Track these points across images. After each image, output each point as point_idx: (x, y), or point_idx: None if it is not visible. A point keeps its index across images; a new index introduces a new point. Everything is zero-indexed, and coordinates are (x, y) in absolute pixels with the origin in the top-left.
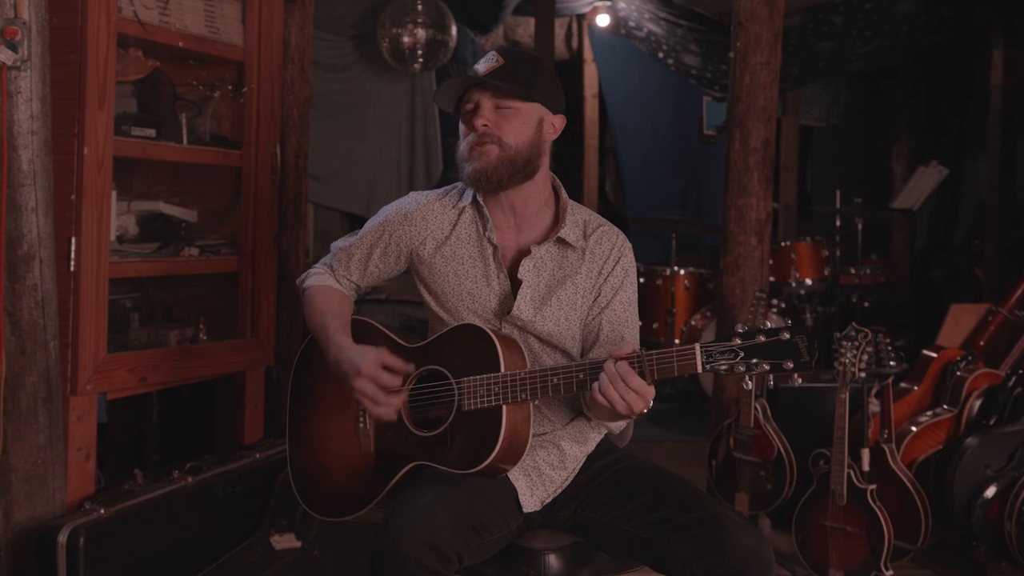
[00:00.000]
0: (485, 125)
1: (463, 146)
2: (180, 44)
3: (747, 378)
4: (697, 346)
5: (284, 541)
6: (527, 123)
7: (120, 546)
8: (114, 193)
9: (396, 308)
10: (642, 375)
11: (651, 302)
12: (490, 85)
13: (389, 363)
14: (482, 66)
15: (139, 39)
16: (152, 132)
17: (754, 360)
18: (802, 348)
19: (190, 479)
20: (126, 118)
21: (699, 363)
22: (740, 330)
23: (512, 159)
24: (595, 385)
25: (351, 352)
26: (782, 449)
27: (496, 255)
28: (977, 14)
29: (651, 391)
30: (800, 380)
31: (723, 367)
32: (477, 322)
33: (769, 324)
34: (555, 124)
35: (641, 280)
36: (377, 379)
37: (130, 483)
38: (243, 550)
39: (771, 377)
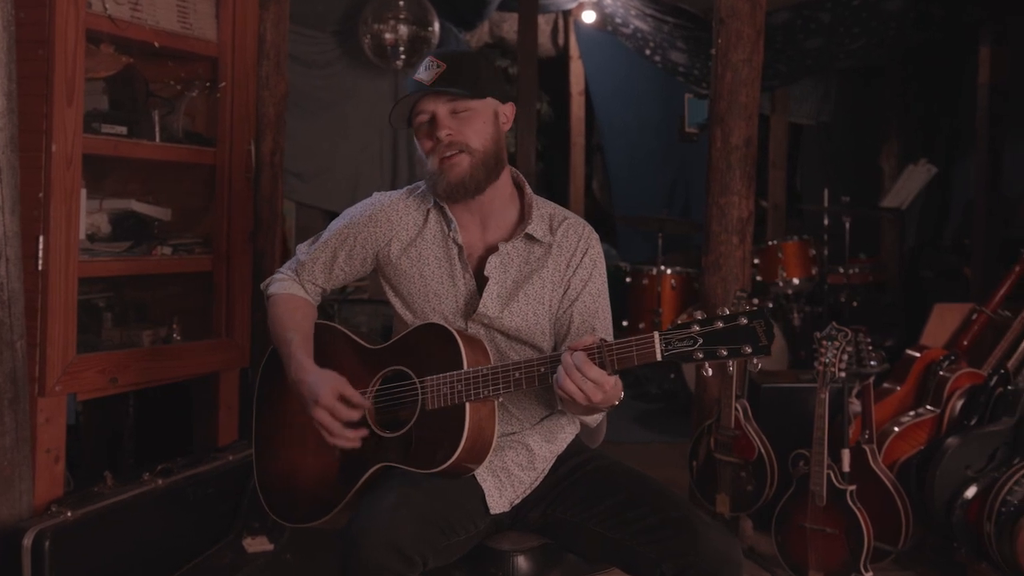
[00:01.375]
0: (449, 134)
1: (432, 161)
2: (152, 40)
3: (706, 365)
4: (656, 334)
5: (256, 544)
6: (486, 121)
7: (87, 549)
8: (84, 191)
9: (378, 308)
10: (602, 365)
11: (637, 301)
12: (442, 93)
13: (347, 395)
14: (425, 75)
15: (111, 35)
16: (123, 129)
17: (713, 346)
18: (760, 333)
19: (160, 481)
20: (97, 115)
21: (658, 351)
22: (699, 317)
23: (484, 162)
24: (555, 377)
25: (311, 377)
26: (763, 450)
27: (462, 255)
28: (966, 12)
29: (610, 380)
30: (759, 365)
31: (682, 354)
32: (441, 322)
33: (727, 311)
34: (507, 114)
35: (627, 279)
36: (334, 412)
37: (99, 485)
38: (214, 553)
39: (732, 364)
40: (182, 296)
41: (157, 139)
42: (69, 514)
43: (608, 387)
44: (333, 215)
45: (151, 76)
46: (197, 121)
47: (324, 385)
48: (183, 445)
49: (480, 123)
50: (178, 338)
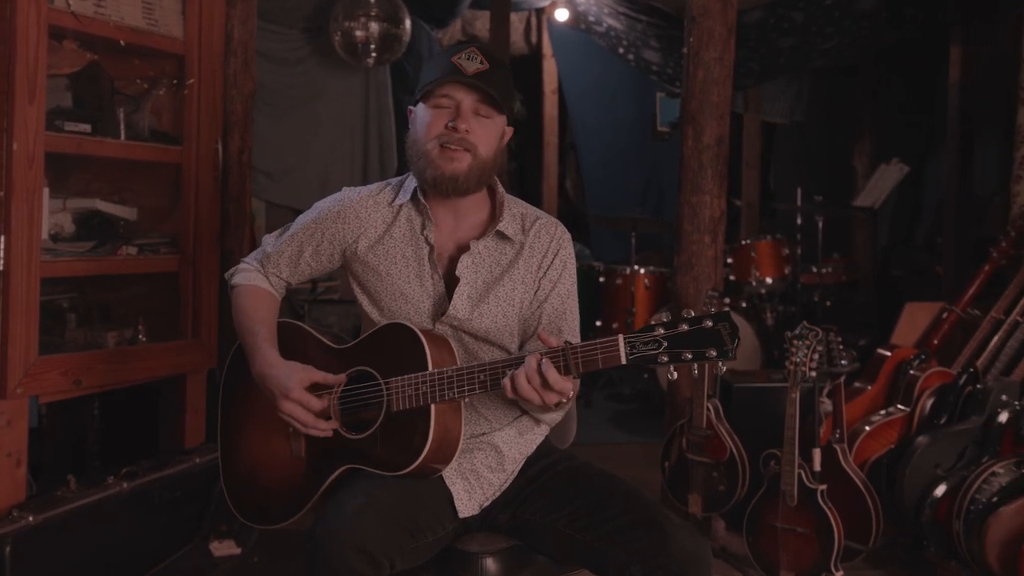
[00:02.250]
0: (468, 130)
1: (432, 143)
2: (117, 37)
3: (671, 368)
4: (620, 337)
5: (223, 548)
6: (496, 134)
7: (49, 554)
8: (47, 190)
9: (349, 308)
10: (567, 368)
11: (611, 301)
12: (477, 89)
13: (318, 380)
14: (467, 64)
15: (74, 31)
16: (87, 127)
17: (677, 350)
18: (725, 336)
19: (125, 485)
20: (60, 112)
21: (623, 354)
22: (664, 320)
23: (481, 170)
24: (510, 376)
25: (278, 370)
26: (735, 450)
27: (431, 255)
28: (938, 11)
29: (568, 385)
30: (724, 368)
31: (647, 357)
32: (406, 322)
33: (693, 313)
34: (507, 136)
35: (601, 279)
36: (306, 404)
37: (62, 490)
38: (181, 557)
39: (696, 367)
40: (148, 297)
41: (122, 137)
42: (31, 519)
43: (568, 392)
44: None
45: (116, 73)
46: (163, 119)
47: (292, 377)
48: (149, 448)
49: (492, 133)
50: (144, 339)
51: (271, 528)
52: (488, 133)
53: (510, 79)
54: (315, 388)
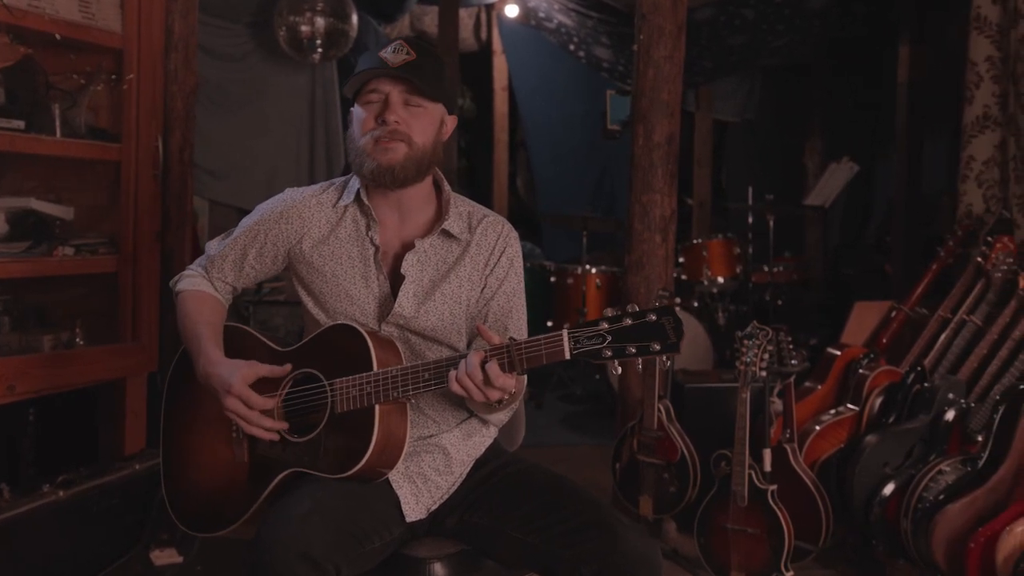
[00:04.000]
0: (397, 121)
1: (366, 139)
2: (52, 30)
3: (615, 363)
4: (564, 331)
5: (165, 556)
6: (432, 123)
7: None
8: None
9: (295, 310)
10: (511, 365)
11: (562, 301)
12: (403, 79)
13: (262, 373)
14: (392, 56)
15: (6, 24)
16: (21, 124)
17: (622, 344)
18: (669, 329)
19: (62, 493)
20: None
21: (567, 349)
22: (608, 315)
23: (418, 159)
24: (452, 374)
25: (221, 368)
26: (685, 451)
27: (377, 256)
28: (887, 10)
29: (510, 382)
30: (668, 363)
31: (591, 352)
32: (351, 322)
33: (636, 307)
34: (449, 125)
35: (552, 279)
36: (247, 399)
37: None
38: (121, 567)
39: (640, 362)
40: (86, 298)
41: (58, 134)
42: None
43: (510, 388)
44: (248, 213)
45: (51, 68)
46: (101, 116)
47: (235, 373)
48: (87, 455)
49: (427, 122)
50: (81, 343)
51: (213, 535)
52: (421, 122)
53: (442, 68)
54: (262, 385)
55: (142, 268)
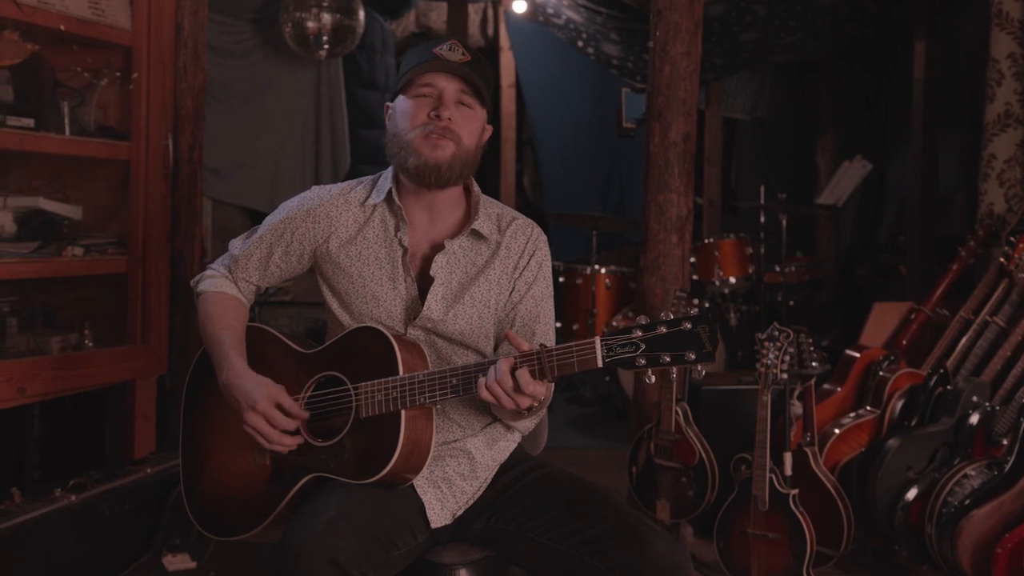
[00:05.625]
0: (451, 119)
1: (415, 133)
2: (61, 27)
3: (649, 372)
4: (597, 340)
5: (177, 562)
6: (479, 126)
7: None
8: None
9: (301, 310)
10: (542, 372)
11: (571, 302)
12: (460, 77)
13: (285, 405)
14: (448, 54)
15: (15, 21)
16: (30, 122)
17: (656, 352)
18: (704, 338)
19: (73, 497)
20: (1, 106)
21: (599, 358)
22: (642, 322)
23: (464, 160)
24: (482, 380)
25: (246, 382)
26: (704, 454)
27: (405, 258)
28: (898, 6)
29: (542, 389)
30: (703, 372)
31: (624, 360)
32: (377, 325)
33: (672, 315)
34: (487, 134)
35: (561, 279)
36: (271, 418)
37: (6, 503)
38: (133, 572)
39: (674, 370)
40: (94, 300)
41: (67, 132)
42: None
43: (540, 396)
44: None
45: (59, 65)
46: (110, 114)
47: (259, 390)
48: (93, 458)
49: (475, 124)
50: (90, 344)
51: (233, 539)
52: (471, 123)
53: (491, 74)
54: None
55: (152, 269)
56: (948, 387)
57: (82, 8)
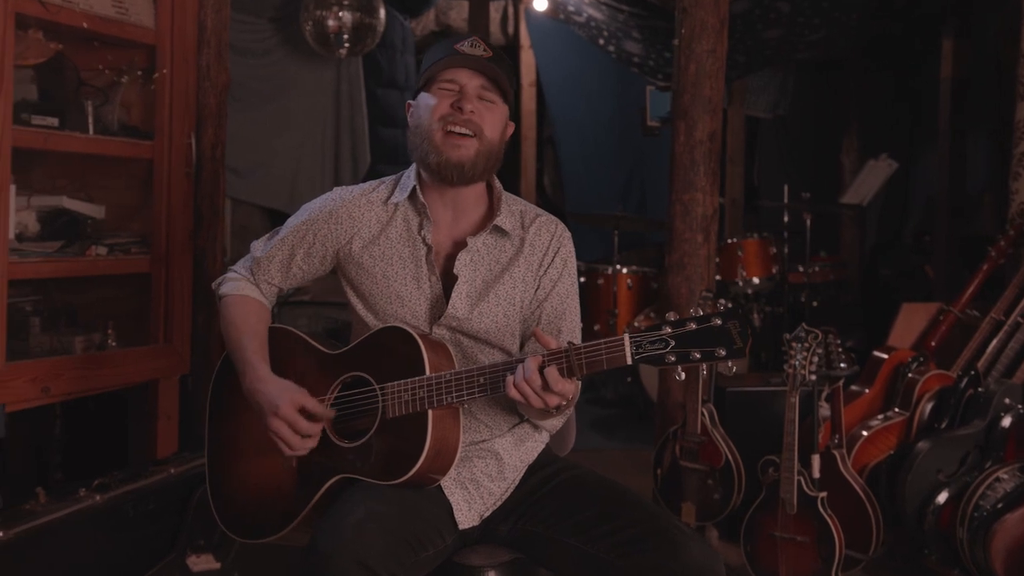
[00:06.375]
0: (473, 112)
1: (436, 126)
2: (85, 25)
3: (679, 369)
4: (626, 336)
5: (201, 563)
6: (501, 120)
7: (20, 571)
8: (13, 187)
9: (319, 310)
10: (571, 370)
11: (592, 302)
12: (481, 72)
13: (309, 408)
14: (470, 49)
15: (39, 20)
16: (55, 121)
17: (685, 349)
18: (735, 334)
19: (98, 497)
20: (26, 105)
21: (628, 354)
22: (671, 319)
23: (487, 155)
24: (510, 379)
25: (269, 387)
26: (730, 456)
27: (429, 256)
28: (927, 3)
29: (570, 387)
30: (733, 368)
31: (654, 357)
32: (402, 325)
33: (701, 311)
34: (510, 130)
35: (582, 279)
36: (294, 424)
37: (32, 503)
38: (157, 572)
39: (704, 367)
40: (117, 299)
41: (90, 131)
42: (1, 534)
43: (568, 394)
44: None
45: (83, 64)
46: (133, 113)
47: (283, 395)
48: (115, 458)
49: (497, 118)
50: (113, 344)
51: (260, 541)
52: (494, 117)
53: (512, 71)
54: (310, 388)
55: (175, 268)
56: (979, 389)
57: (106, 7)
